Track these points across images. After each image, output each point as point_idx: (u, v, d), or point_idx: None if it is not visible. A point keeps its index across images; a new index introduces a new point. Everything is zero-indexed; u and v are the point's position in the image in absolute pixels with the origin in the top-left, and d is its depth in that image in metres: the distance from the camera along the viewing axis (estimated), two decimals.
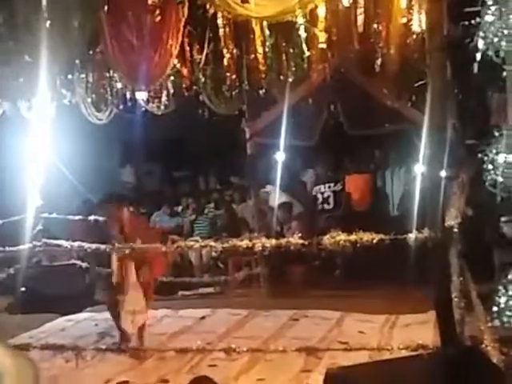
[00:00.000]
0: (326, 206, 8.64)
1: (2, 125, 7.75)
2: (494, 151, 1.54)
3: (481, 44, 1.52)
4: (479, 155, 1.52)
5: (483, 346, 3.62)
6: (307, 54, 5.08)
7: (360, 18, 4.84)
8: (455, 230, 4.12)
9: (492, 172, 1.53)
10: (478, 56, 1.52)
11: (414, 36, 4.66)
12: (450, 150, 4.25)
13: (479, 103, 4.74)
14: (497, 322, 1.51)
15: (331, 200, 8.61)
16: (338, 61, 6.11)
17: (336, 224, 7.03)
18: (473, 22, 1.49)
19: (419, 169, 6.47)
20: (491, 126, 4.10)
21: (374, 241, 4.11)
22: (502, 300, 1.50)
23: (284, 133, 7.30)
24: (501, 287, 1.54)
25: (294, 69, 6.11)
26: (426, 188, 4.21)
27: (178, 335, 6.17)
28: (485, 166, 1.53)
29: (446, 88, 4.26)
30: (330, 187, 8.63)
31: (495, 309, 1.53)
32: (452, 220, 4.17)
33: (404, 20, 4.72)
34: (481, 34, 1.50)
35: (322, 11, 4.52)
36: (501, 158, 1.52)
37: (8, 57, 5.20)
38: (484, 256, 5.08)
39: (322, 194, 8.67)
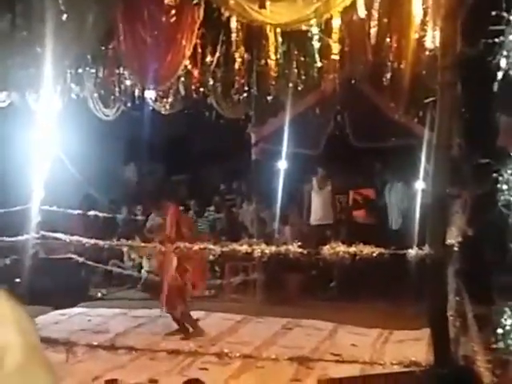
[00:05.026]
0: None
1: (10, 115, 7.76)
2: (510, 172, 1.53)
3: (503, 63, 1.51)
4: (494, 175, 1.52)
5: (476, 366, 3.61)
6: (319, 64, 5.07)
7: (373, 31, 4.84)
8: (455, 248, 4.12)
9: (506, 193, 1.52)
10: (500, 75, 1.52)
11: (427, 52, 4.65)
12: (454, 168, 4.25)
13: (488, 123, 4.73)
14: (501, 345, 1.50)
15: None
16: (349, 72, 6.11)
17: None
18: (496, 40, 1.48)
19: (422, 185, 6.48)
20: (499, 147, 4.10)
21: (374, 254, 4.10)
22: (508, 322, 1.48)
23: (289, 140, 7.31)
24: (507, 309, 1.53)
25: (304, 77, 6.11)
26: (429, 205, 4.21)
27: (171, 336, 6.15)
28: (499, 186, 1.53)
29: (455, 106, 4.27)
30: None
31: (500, 331, 1.51)
32: (453, 238, 4.17)
33: (417, 36, 4.72)
34: (504, 53, 1.50)
35: (336, 22, 4.52)
36: None
37: (21, 47, 5.20)
38: (482, 277, 5.07)
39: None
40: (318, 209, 8.19)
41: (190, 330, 6.00)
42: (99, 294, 8.28)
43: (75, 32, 5.08)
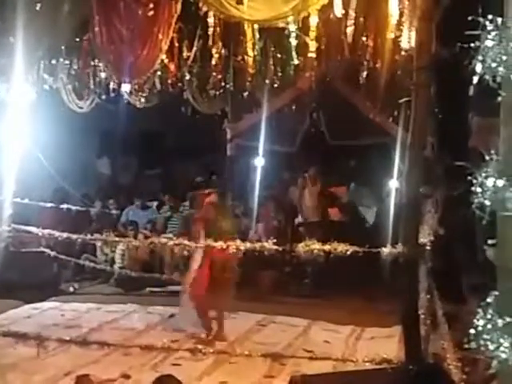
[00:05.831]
0: None
1: None
2: (484, 175, 1.57)
3: (479, 68, 1.54)
4: (468, 177, 1.55)
5: (446, 364, 3.67)
6: (296, 61, 5.08)
7: (349, 30, 4.87)
8: (427, 247, 4.17)
9: (480, 195, 1.56)
10: (475, 79, 1.55)
11: (402, 52, 4.70)
12: (426, 168, 4.30)
13: (461, 125, 4.80)
14: (474, 345, 1.53)
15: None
16: (325, 70, 6.14)
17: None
18: (472, 45, 1.51)
19: (396, 184, 6.55)
20: (471, 147, 4.16)
21: (348, 252, 4.12)
22: (481, 323, 1.51)
23: (264, 137, 7.32)
24: (479, 310, 1.56)
25: (280, 74, 6.12)
26: (402, 204, 4.25)
27: (144, 331, 6.12)
28: (473, 189, 1.56)
29: (429, 107, 4.32)
30: None
31: (473, 331, 1.54)
32: (425, 237, 4.22)
33: (393, 36, 4.76)
34: (479, 57, 1.52)
35: (314, 20, 4.53)
36: (490, 182, 1.54)
37: None
38: (452, 276, 5.15)
39: None
40: (308, 206, 8.22)
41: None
42: (71, 289, 8.19)
43: (49, 22, 5.00)
